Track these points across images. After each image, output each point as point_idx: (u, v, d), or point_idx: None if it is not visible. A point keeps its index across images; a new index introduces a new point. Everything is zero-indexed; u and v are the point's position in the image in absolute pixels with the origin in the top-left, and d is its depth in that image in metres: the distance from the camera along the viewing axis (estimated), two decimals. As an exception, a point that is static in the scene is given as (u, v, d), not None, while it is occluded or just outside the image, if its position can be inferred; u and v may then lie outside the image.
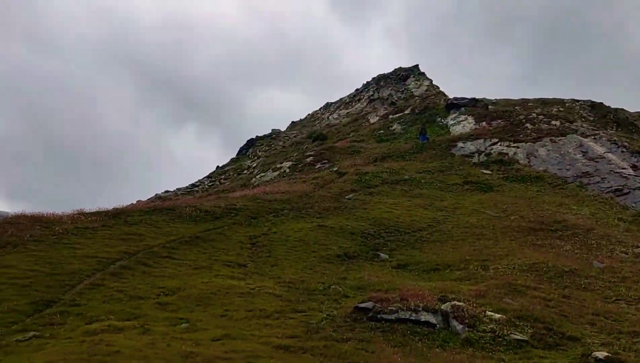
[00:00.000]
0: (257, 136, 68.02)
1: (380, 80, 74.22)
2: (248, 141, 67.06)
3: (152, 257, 19.44)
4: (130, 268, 17.96)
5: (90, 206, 25.18)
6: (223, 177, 53.90)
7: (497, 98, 57.50)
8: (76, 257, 18.11)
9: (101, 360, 10.16)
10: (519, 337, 12.52)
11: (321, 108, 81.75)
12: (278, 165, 46.73)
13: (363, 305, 13.94)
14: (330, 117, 73.11)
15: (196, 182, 53.87)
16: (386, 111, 61.51)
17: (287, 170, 43.75)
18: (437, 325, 13.19)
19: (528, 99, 55.89)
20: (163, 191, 50.10)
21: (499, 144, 41.99)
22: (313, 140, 54.91)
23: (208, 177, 56.33)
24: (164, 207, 27.32)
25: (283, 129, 73.69)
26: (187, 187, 51.65)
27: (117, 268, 17.71)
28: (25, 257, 17.51)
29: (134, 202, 31.82)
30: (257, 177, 46.59)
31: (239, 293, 16.05)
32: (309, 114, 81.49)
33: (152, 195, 48.78)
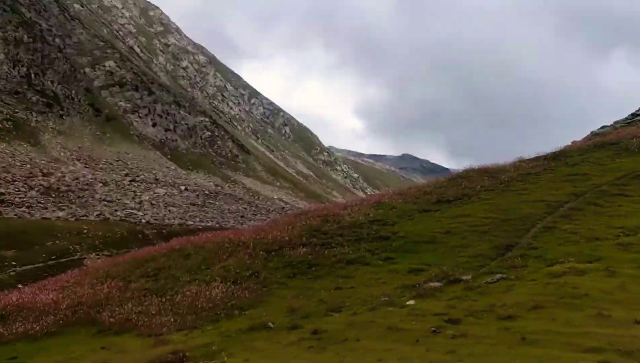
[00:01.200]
0: None
1: None
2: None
3: (602, 196, 18.57)
4: (579, 209, 17.60)
5: (526, 153, 25.84)
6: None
7: None
8: (524, 202, 18.90)
9: (570, 303, 10.17)
10: None
11: None
12: None
13: None
14: None
15: (637, 111, 47.65)
16: None
17: None
18: None
19: None
20: (598, 127, 46.37)
21: None
22: None
23: (650, 102, 49.06)
24: (605, 141, 25.67)
25: None
26: (626, 118, 46.20)
27: (566, 211, 17.59)
28: (480, 206, 19.37)
29: (569, 143, 30.80)
30: None
31: None
32: None
33: (587, 133, 45.85)
